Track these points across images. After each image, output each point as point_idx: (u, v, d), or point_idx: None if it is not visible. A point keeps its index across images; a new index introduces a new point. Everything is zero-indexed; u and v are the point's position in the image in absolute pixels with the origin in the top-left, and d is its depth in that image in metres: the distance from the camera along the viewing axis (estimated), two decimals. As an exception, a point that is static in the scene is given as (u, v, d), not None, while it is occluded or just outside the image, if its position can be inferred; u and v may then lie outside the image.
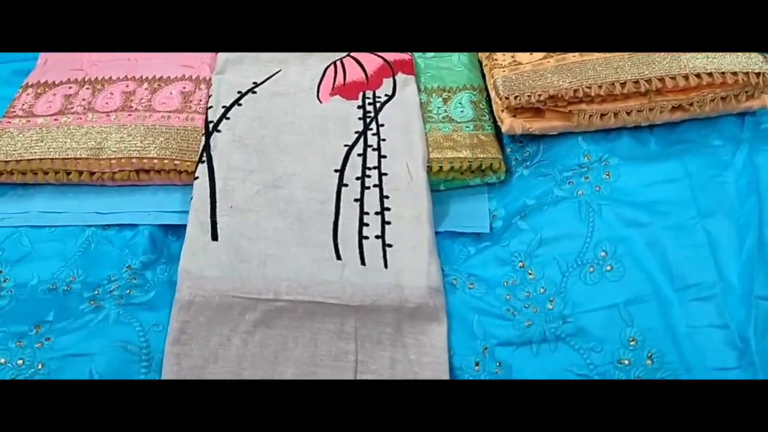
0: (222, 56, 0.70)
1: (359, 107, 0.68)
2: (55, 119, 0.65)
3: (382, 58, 0.72)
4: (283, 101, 0.68)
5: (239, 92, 0.68)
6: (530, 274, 0.58)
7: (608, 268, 0.56)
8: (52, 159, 0.61)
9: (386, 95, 0.69)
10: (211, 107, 0.66)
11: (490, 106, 0.71)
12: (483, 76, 0.73)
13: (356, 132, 0.66)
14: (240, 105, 0.67)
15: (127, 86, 0.69)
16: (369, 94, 0.69)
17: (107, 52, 0.71)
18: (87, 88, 0.68)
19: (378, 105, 0.68)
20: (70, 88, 0.69)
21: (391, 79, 0.71)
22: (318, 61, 0.72)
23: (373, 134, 0.66)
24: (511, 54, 0.70)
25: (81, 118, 0.65)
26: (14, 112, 0.66)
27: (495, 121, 0.69)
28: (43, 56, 0.74)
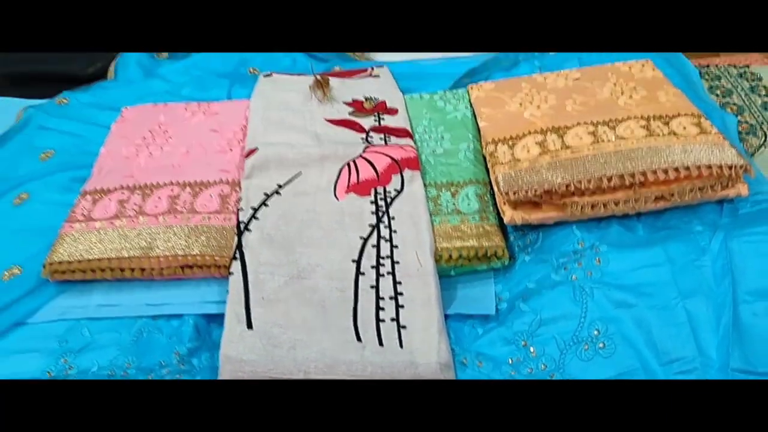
0: (249, 162, 0.80)
1: (372, 202, 0.76)
2: (111, 222, 0.75)
3: (390, 156, 0.81)
4: (305, 200, 0.77)
5: (265, 194, 0.77)
6: (532, 351, 0.65)
7: (601, 345, 0.62)
8: (109, 258, 0.71)
9: (395, 190, 0.78)
10: (241, 209, 0.75)
11: (494, 198, 0.78)
12: (487, 170, 0.82)
13: (370, 225, 0.74)
14: (267, 206, 0.76)
15: (172, 191, 0.78)
16: (380, 190, 0.78)
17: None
18: (138, 194, 0.78)
19: (388, 200, 0.76)
20: (123, 194, 0.78)
21: (399, 176, 0.79)
22: (334, 162, 0.81)
23: (385, 227, 0.74)
24: (511, 151, 0.79)
25: (133, 221, 0.74)
26: (75, 217, 0.76)
27: (498, 212, 0.77)
28: (98, 165, 0.84)
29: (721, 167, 0.69)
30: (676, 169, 0.70)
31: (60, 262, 0.71)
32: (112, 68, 1.11)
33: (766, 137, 0.85)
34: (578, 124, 0.80)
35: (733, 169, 0.69)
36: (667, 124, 0.77)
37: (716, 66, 1.01)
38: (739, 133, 0.87)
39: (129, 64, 1.10)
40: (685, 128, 0.76)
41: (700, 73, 0.98)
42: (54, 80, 1.12)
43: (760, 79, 0.96)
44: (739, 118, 0.89)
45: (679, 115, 0.78)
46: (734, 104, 0.92)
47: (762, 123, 0.88)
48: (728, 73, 0.98)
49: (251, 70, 1.07)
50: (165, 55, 1.15)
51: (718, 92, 0.95)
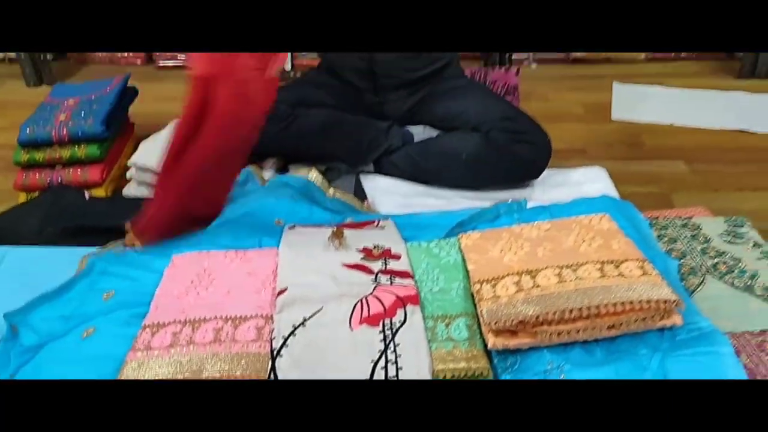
0: (280, 300, 0.98)
1: (380, 332, 0.93)
2: (167, 351, 0.91)
3: (396, 294, 0.99)
4: (326, 330, 0.94)
5: (294, 326, 0.94)
6: (513, 455, 0.79)
7: (567, 447, 0.77)
8: (166, 381, 0.86)
9: (400, 322, 0.94)
10: (274, 338, 0.92)
11: (480, 328, 0.95)
12: (474, 305, 0.99)
13: (379, 351, 0.90)
14: (295, 335, 0.92)
15: (216, 324, 0.96)
16: (387, 321, 0.94)
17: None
18: (188, 327, 0.95)
19: (394, 330, 0.93)
20: (176, 327, 0.95)
21: (402, 310, 0.96)
22: (349, 300, 0.98)
23: (392, 352, 0.90)
24: (493, 290, 0.97)
25: (185, 349, 0.91)
26: (137, 346, 0.93)
27: (484, 339, 0.93)
28: (154, 303, 1.02)
29: (658, 302, 0.87)
30: (623, 304, 0.87)
31: (126, 383, 0.87)
32: (159, 222, 1.31)
33: (704, 278, 1.04)
34: (547, 267, 0.99)
35: (667, 303, 0.87)
36: (617, 267, 0.96)
37: (664, 218, 1.22)
38: (682, 274, 1.05)
39: (174, 218, 1.31)
40: (631, 271, 0.94)
41: (650, 223, 1.18)
42: (104, 231, 1.33)
43: (700, 228, 1.16)
44: (681, 261, 1.08)
45: (627, 260, 0.97)
46: (678, 250, 1.11)
47: (701, 266, 1.07)
48: (674, 223, 1.19)
49: (277, 222, 1.28)
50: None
51: (666, 239, 1.14)
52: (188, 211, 1.19)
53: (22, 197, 1.56)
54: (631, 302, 0.88)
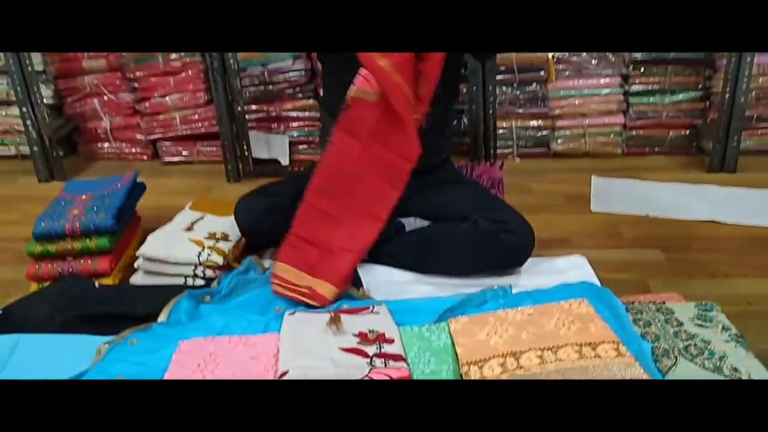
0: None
1: None
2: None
3: (389, 376, 1.06)
4: None
5: None
6: None
7: None
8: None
9: None
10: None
11: (469, 407, 1.02)
12: (464, 386, 1.07)
13: None
14: None
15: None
16: None
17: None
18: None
19: None
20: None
21: None
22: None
23: None
24: (480, 371, 1.04)
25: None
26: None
27: (473, 418, 1.00)
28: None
29: (630, 381, 0.95)
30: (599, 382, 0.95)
31: (138, 461, 0.93)
32: (166, 310, 1.39)
33: (676, 359, 1.12)
34: (530, 349, 1.07)
35: (639, 381, 0.95)
36: (594, 349, 1.04)
37: (639, 302, 1.31)
38: (656, 356, 1.13)
39: (181, 310, 1.38)
40: (606, 352, 1.03)
41: (626, 308, 1.27)
42: (113, 318, 1.40)
43: (673, 312, 1.25)
44: (655, 344, 1.16)
45: (603, 342, 1.06)
46: (653, 333, 1.19)
47: (673, 347, 1.15)
48: (648, 308, 1.27)
49: (277, 309, 1.36)
50: (208, 298, 1.45)
51: (641, 323, 1.23)
52: None
53: (34, 287, 1.63)
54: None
